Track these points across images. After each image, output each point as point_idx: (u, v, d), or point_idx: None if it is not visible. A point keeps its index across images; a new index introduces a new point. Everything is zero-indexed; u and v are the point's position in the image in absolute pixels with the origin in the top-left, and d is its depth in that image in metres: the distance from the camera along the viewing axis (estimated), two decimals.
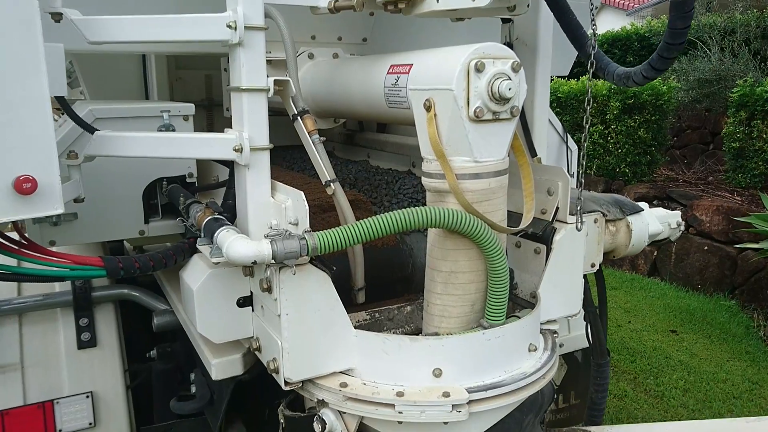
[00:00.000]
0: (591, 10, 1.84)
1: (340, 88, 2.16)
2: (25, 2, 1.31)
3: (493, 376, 1.66)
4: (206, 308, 1.79)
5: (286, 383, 1.65)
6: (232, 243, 1.53)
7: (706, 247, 7.05)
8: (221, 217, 1.80)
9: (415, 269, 2.11)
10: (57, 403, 2.47)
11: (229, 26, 1.59)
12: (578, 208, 1.90)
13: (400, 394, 1.58)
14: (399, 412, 1.56)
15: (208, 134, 1.77)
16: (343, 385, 1.64)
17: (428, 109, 1.59)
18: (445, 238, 1.67)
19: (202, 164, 2.43)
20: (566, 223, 1.93)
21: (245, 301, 1.83)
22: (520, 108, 1.63)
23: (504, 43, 2.19)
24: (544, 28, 2.21)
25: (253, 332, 1.86)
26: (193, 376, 2.47)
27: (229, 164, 1.87)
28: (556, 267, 1.94)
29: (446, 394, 1.56)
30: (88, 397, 2.52)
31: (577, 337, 2.87)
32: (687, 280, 7.22)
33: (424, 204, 1.76)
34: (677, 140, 10.03)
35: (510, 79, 1.55)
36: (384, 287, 2.05)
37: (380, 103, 1.85)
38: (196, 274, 1.84)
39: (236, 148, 1.66)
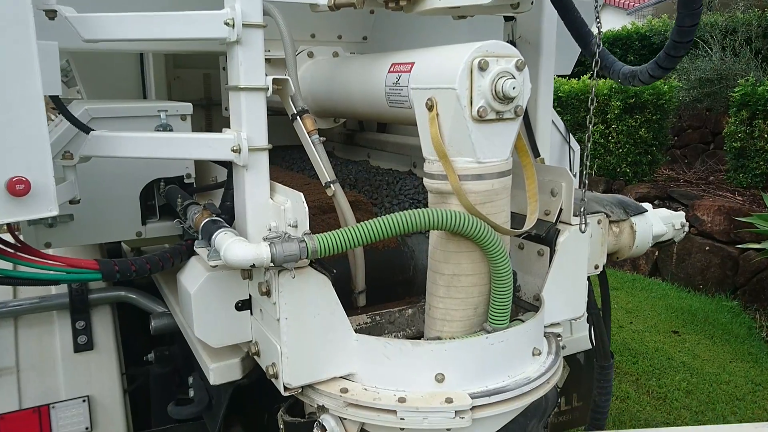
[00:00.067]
0: (596, 7, 1.81)
1: (340, 88, 2.13)
2: None
3: (496, 382, 1.63)
4: (204, 312, 1.76)
5: (286, 389, 1.62)
6: (230, 246, 1.50)
7: (707, 248, 7.02)
8: (219, 219, 1.77)
9: (417, 271, 2.08)
10: (53, 407, 2.44)
11: (226, 23, 1.56)
12: (582, 209, 1.87)
13: (401, 400, 1.55)
14: (401, 419, 1.53)
15: (206, 134, 1.74)
16: (344, 390, 1.61)
17: (430, 108, 1.56)
18: (448, 240, 1.64)
19: (200, 164, 2.40)
20: (570, 224, 1.91)
21: (244, 305, 1.80)
22: (524, 107, 1.60)
23: (506, 42, 2.16)
24: (547, 26, 2.18)
25: (252, 336, 1.83)
26: (191, 379, 2.44)
27: (228, 165, 1.84)
28: (560, 269, 1.91)
29: (449, 400, 1.53)
30: (84, 401, 2.49)
31: (580, 338, 2.85)
32: (688, 281, 7.20)
33: (426, 205, 1.73)
34: (678, 140, 10.01)
35: (514, 77, 1.52)
36: (385, 289, 2.02)
37: (381, 103, 1.82)
38: (193, 276, 1.80)
39: (234, 148, 1.63)
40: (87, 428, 2.48)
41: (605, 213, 2.13)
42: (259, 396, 2.11)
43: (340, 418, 1.62)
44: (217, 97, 3.40)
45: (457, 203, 1.57)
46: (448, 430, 1.58)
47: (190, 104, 2.24)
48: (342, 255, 1.71)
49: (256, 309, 1.79)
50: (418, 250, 2.09)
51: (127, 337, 2.76)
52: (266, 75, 1.64)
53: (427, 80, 1.59)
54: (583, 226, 1.89)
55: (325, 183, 1.77)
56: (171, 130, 2.18)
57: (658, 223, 2.39)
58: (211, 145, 1.68)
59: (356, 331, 1.67)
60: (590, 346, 2.42)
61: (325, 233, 1.50)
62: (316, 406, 1.66)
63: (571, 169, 3.13)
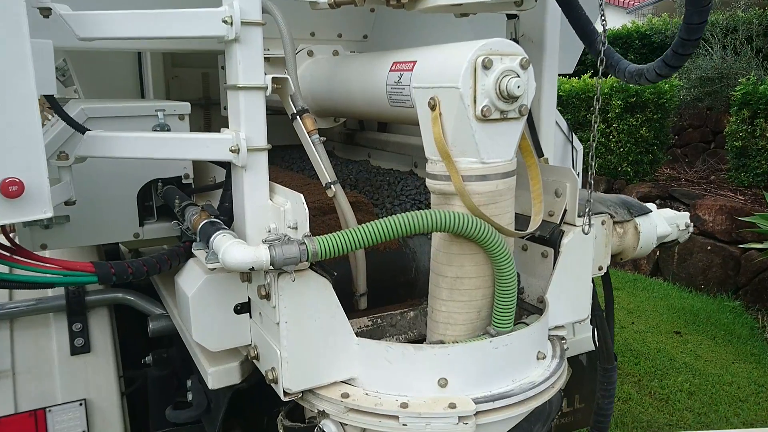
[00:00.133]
0: (600, 5, 1.77)
1: (340, 87, 2.10)
2: None
3: (500, 386, 1.60)
4: (202, 315, 1.73)
5: (286, 394, 1.59)
6: (229, 248, 1.46)
7: (709, 247, 7.00)
8: (217, 220, 1.74)
9: (419, 273, 2.05)
10: (49, 410, 2.40)
11: (224, 21, 1.53)
12: (587, 210, 1.84)
13: (404, 406, 1.52)
14: (403, 425, 1.50)
15: (204, 134, 1.71)
16: (345, 395, 1.57)
17: (433, 107, 1.53)
18: (451, 242, 1.60)
19: (199, 165, 2.37)
20: (575, 225, 1.88)
21: (243, 308, 1.77)
22: (529, 106, 1.57)
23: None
24: (551, 24, 2.15)
25: (251, 340, 1.80)
26: (189, 382, 2.41)
27: (226, 165, 1.81)
28: (565, 271, 1.88)
29: (452, 406, 1.50)
30: (81, 404, 2.45)
31: (583, 340, 2.82)
32: (690, 281, 7.17)
33: (428, 206, 1.70)
34: (678, 139, 9.99)
35: (518, 76, 1.48)
36: (386, 292, 1.99)
37: (382, 102, 1.79)
38: (191, 279, 1.77)
39: (233, 148, 1.60)
40: None
41: (609, 213, 2.10)
42: (258, 399, 2.09)
43: (341, 423, 1.59)
44: (215, 96, 3.37)
45: (461, 204, 1.54)
46: None
47: (188, 104, 2.21)
48: (343, 257, 1.68)
49: (255, 312, 1.76)
50: (420, 251, 2.07)
51: (124, 340, 2.73)
52: (265, 74, 1.61)
53: (430, 79, 1.56)
54: (588, 227, 1.86)
55: (326, 184, 1.75)
56: (169, 130, 2.15)
57: (663, 223, 2.36)
58: (209, 146, 1.65)
59: (357, 334, 1.64)
60: (593, 348, 2.40)
61: (325, 235, 1.47)
62: (316, 411, 1.63)
63: (574, 169, 3.10)
